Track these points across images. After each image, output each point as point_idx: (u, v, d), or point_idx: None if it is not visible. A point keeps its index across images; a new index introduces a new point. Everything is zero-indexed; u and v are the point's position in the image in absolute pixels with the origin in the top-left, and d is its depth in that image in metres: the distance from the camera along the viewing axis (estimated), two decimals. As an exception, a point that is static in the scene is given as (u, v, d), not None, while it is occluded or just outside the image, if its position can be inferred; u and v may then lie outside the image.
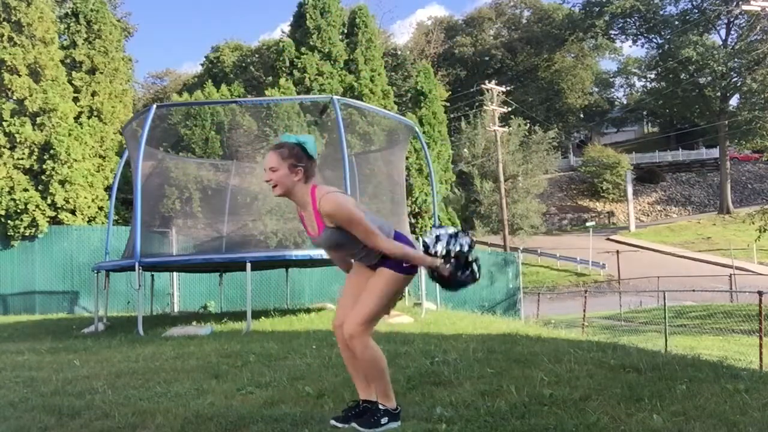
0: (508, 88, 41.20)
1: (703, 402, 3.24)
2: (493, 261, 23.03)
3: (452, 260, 2.98)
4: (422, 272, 10.34)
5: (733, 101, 51.67)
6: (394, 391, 3.58)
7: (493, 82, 38.12)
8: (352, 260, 3.14)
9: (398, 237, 3.03)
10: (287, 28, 26.94)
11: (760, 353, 10.59)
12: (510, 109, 39.75)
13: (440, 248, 2.97)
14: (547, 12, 61.78)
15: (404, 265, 2.96)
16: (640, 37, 56.30)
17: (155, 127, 10.98)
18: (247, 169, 15.19)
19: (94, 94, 17.77)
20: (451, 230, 3.05)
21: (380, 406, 3.00)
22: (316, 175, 3.01)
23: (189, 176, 15.22)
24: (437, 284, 3.10)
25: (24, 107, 15.96)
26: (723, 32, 52.10)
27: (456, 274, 2.98)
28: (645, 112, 65.07)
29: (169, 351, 5.92)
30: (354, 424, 2.97)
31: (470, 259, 3.02)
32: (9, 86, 15.85)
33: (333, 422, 3.07)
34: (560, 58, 60.74)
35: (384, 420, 2.97)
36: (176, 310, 13.82)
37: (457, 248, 2.98)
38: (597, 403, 3.28)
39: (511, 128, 39.64)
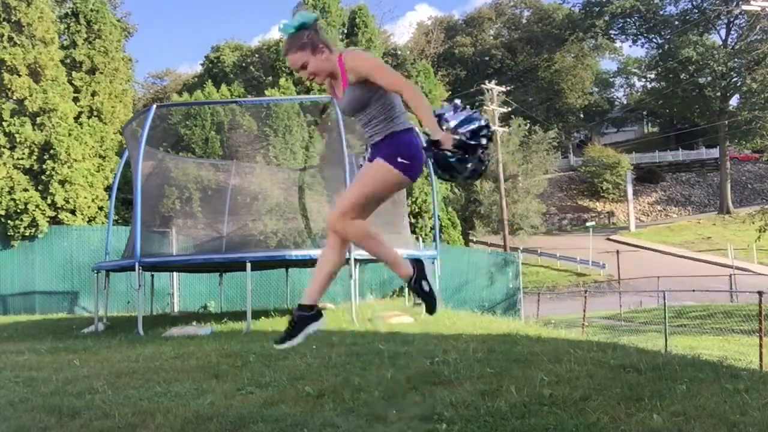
0: (508, 88, 41.18)
1: (703, 402, 3.24)
2: (493, 261, 23.03)
3: (463, 140, 2.76)
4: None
5: (733, 101, 51.71)
6: (394, 392, 3.58)
7: (493, 82, 38.11)
8: (368, 143, 2.99)
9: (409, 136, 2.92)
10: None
11: (760, 353, 10.58)
12: (510, 109, 39.75)
13: (454, 122, 2.79)
14: (547, 12, 61.77)
15: (399, 160, 2.82)
16: (640, 37, 56.30)
17: (155, 127, 10.98)
18: (247, 169, 15.17)
19: (94, 94, 17.77)
20: (470, 113, 2.85)
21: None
22: (330, 42, 2.93)
23: (189, 176, 15.22)
24: (442, 171, 2.84)
25: (24, 107, 15.96)
26: (723, 32, 52.15)
27: (463, 157, 2.76)
28: (645, 112, 65.06)
29: (169, 351, 5.92)
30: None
31: (482, 143, 2.80)
32: (9, 86, 15.85)
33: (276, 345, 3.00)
34: (560, 58, 60.71)
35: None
36: (176, 310, 13.82)
37: (471, 127, 2.78)
38: (597, 403, 3.28)
39: (511, 128, 39.67)
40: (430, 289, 2.97)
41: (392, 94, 2.84)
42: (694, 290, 20.41)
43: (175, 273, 13.85)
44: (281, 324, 8.46)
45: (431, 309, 2.99)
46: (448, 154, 2.75)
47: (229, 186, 13.89)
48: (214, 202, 14.12)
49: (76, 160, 16.06)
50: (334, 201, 2.98)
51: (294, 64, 2.86)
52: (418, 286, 2.97)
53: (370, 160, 2.92)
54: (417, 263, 3.00)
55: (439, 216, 21.85)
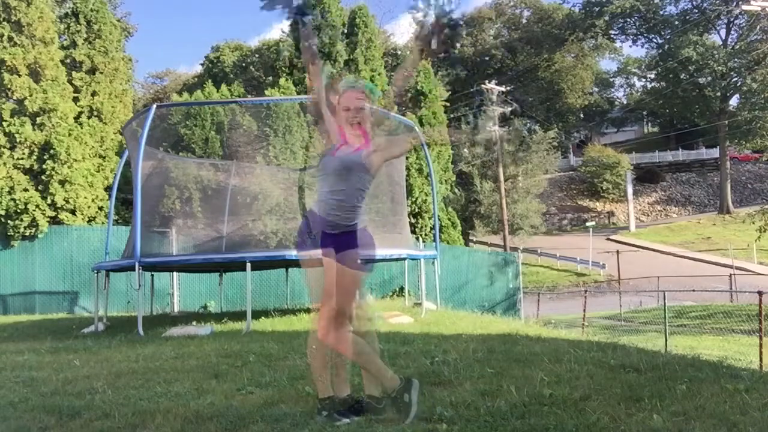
0: (508, 88, 41.21)
1: (703, 402, 3.24)
2: (493, 261, 23.03)
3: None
4: (422, 270, 10.32)
5: (733, 101, 51.72)
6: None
7: (493, 82, 38.12)
8: (333, 213, 3.17)
9: (365, 236, 3.22)
10: (287, 28, 26.94)
11: (760, 353, 10.59)
12: (510, 109, 39.76)
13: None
14: (547, 12, 61.74)
15: (359, 262, 3.16)
16: (640, 37, 56.32)
17: (155, 127, 10.98)
18: (247, 169, 15.17)
19: (94, 94, 17.77)
20: None
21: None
22: None
23: (189, 176, 15.20)
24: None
25: (24, 107, 15.96)
26: (723, 32, 52.16)
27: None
28: (645, 112, 65.07)
29: (169, 351, 5.92)
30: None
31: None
32: (9, 86, 15.84)
33: (335, 416, 3.15)
34: (560, 58, 60.68)
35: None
36: (176, 310, 13.81)
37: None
38: (597, 403, 3.28)
39: (510, 128, 39.68)
40: (410, 401, 3.06)
41: (369, 192, 3.27)
42: (694, 290, 20.43)
43: (175, 273, 13.85)
44: (281, 324, 8.47)
45: (402, 418, 3.03)
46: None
47: (229, 186, 13.88)
48: (214, 202, 14.11)
49: (76, 160, 16.06)
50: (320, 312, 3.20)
51: (356, 102, 3.32)
52: (399, 396, 3.08)
53: (334, 245, 3.16)
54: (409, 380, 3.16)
55: (439, 216, 21.85)
